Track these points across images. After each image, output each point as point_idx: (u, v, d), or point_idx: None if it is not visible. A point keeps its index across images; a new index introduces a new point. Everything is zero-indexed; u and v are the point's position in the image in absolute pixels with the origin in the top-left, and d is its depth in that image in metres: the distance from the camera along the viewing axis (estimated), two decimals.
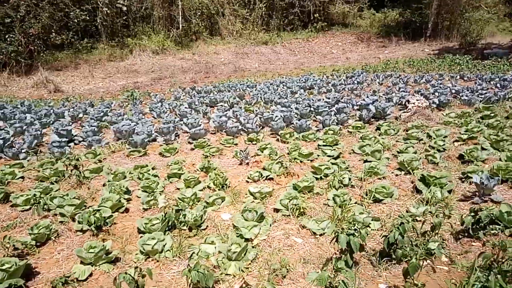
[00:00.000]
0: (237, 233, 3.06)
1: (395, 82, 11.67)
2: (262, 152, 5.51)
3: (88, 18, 23.06)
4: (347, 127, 6.90)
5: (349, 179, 4.26)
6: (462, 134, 5.59)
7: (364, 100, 8.38)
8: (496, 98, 7.98)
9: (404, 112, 6.98)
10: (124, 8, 23.31)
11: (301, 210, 3.46)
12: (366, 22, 30.42)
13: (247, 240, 3.01)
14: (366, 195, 3.87)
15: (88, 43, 23.15)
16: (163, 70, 20.00)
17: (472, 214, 2.89)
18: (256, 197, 3.94)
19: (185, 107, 9.63)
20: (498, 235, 3.01)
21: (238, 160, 5.20)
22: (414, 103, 6.87)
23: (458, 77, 11.71)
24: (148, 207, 3.80)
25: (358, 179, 4.41)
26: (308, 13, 31.02)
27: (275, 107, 8.96)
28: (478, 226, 2.89)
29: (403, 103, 7.42)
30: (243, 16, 29.07)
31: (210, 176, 4.39)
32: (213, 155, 5.51)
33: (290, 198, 3.61)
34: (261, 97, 10.22)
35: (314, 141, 6.25)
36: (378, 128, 6.54)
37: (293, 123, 7.09)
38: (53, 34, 21.31)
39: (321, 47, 28.36)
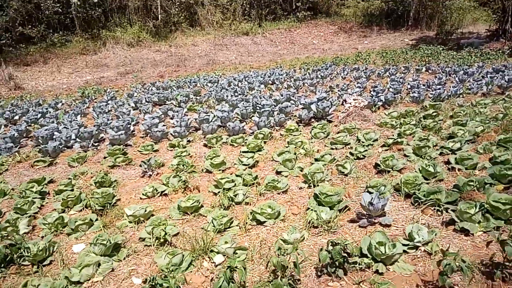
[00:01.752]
0: (67, 274, 2.67)
1: (358, 76, 11.23)
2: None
3: (61, 10, 22.39)
4: (283, 129, 6.50)
5: (244, 194, 3.87)
6: (390, 138, 5.20)
7: (310, 98, 7.98)
8: (448, 94, 7.58)
9: (342, 112, 6.57)
10: (96, 0, 22.62)
11: (163, 239, 3.07)
12: (350, 11, 29.76)
13: (75, 283, 2.62)
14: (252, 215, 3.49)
15: (62, 36, 22.53)
16: (134, 63, 19.44)
17: (330, 248, 2.51)
18: (131, 221, 3.54)
19: (131, 106, 9.19)
20: (365, 271, 2.64)
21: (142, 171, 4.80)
22: (350, 103, 6.46)
23: (424, 69, 11.29)
24: (5, 235, 3.40)
25: (258, 194, 4.02)
26: (291, 2, 30.35)
27: (222, 106, 8.53)
28: (336, 263, 2.51)
29: (341, 102, 7.00)
30: (224, 6, 28.38)
31: (87, 194, 3.98)
32: (119, 166, 5.10)
33: (156, 224, 3.22)
34: (214, 95, 9.75)
35: (242, 145, 5.85)
36: (312, 131, 6.14)
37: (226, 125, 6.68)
38: (21, 27, 20.65)
39: (302, 37, 27.79)
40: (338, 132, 5.86)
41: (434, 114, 6.26)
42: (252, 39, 26.80)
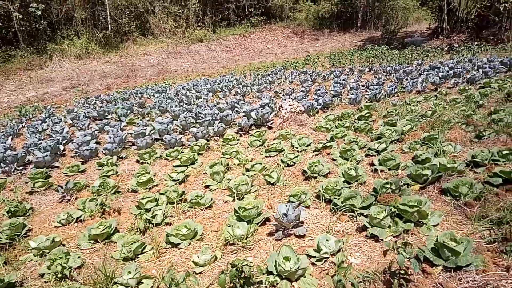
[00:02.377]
0: None
1: (305, 79, 11.34)
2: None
3: (1, 24, 21.29)
4: (222, 138, 6.36)
5: (163, 214, 3.69)
6: (320, 142, 5.19)
7: (253, 105, 7.92)
8: (385, 93, 7.77)
9: (280, 118, 6.54)
10: (38, 13, 21.61)
11: (61, 274, 2.83)
12: (302, 15, 30.25)
13: None
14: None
15: (5, 51, 21.35)
16: (81, 76, 18.67)
17: (230, 270, 2.39)
18: (35, 254, 3.26)
19: (68, 123, 8.75)
20: None
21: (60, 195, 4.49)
22: (286, 109, 6.45)
23: (367, 70, 11.58)
24: None
25: (180, 213, 3.85)
26: (244, 7, 30.51)
27: (163, 118, 8.28)
28: (237, 286, 2.39)
29: (277, 108, 6.98)
30: (176, 14, 27.99)
31: None
32: (37, 191, 4.75)
33: (56, 257, 2.97)
34: (158, 106, 9.47)
35: (177, 159, 5.64)
36: (249, 139, 6.04)
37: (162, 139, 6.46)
38: None
39: (257, 42, 27.95)
40: (274, 139, 5.80)
41: (368, 115, 6.36)
42: (207, 46, 26.62)
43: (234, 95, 10.85)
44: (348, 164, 4.33)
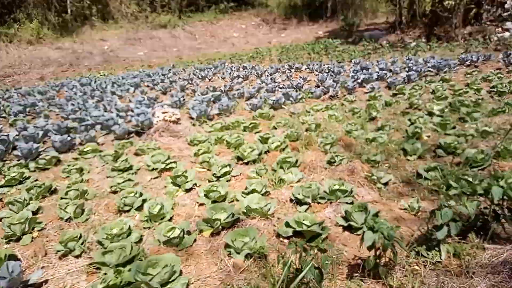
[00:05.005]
0: None
1: (236, 76, 10.59)
2: None
3: None
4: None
5: None
6: (163, 162, 4.47)
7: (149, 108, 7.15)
8: (291, 100, 7.06)
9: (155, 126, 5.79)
10: None
11: None
12: (275, 1, 29.17)
13: None
14: None
15: None
16: (23, 64, 17.57)
17: None
18: None
19: None
20: None
21: None
22: (159, 117, 5.70)
23: (304, 67, 10.85)
24: None
25: None
26: None
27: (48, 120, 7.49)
28: None
29: (153, 115, 6.20)
30: None
31: None
32: None
33: None
34: (60, 102, 8.64)
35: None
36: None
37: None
38: None
39: (224, 30, 26.92)
40: (134, 154, 5.08)
41: (252, 126, 5.66)
42: (171, 33, 25.53)
43: (157, 91, 10.08)
44: (163, 197, 3.63)
